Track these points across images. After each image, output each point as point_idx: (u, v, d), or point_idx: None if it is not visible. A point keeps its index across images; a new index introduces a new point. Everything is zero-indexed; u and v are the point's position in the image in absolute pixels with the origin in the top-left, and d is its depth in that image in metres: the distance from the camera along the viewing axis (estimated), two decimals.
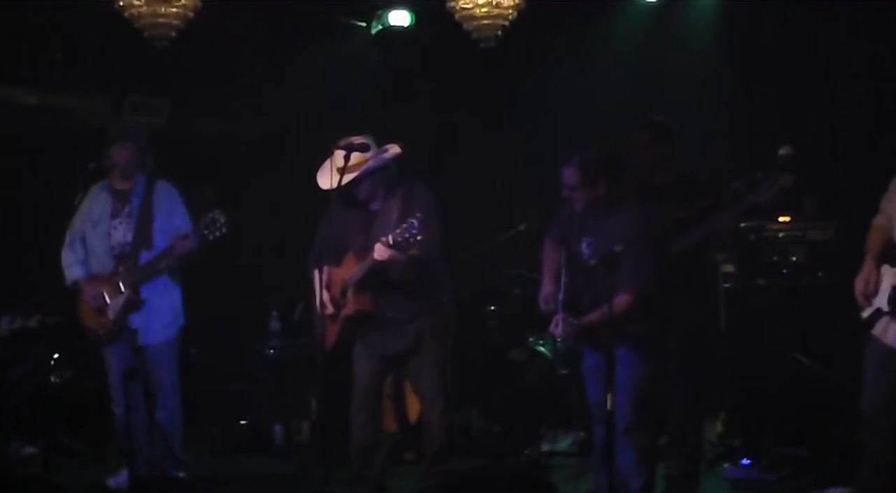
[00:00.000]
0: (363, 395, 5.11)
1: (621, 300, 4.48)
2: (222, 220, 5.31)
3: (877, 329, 4.41)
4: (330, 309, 5.07)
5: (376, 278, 4.92)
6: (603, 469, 4.72)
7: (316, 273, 5.04)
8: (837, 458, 5.44)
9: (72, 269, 5.61)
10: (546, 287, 4.87)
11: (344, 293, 5.04)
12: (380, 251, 4.76)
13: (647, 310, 4.60)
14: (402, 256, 4.76)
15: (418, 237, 4.64)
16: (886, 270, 4.37)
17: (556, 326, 4.68)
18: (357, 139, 4.96)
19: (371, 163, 4.97)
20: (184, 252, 5.42)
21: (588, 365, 4.86)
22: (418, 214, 4.67)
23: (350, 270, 5.02)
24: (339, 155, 4.91)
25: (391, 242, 4.70)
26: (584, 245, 4.66)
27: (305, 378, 6.59)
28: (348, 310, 5.01)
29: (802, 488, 5.30)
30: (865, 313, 4.44)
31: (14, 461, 6.10)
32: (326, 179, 4.98)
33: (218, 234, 5.33)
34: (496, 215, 7.21)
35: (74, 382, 6.63)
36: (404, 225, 4.68)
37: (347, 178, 4.90)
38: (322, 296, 5.05)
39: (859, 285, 4.43)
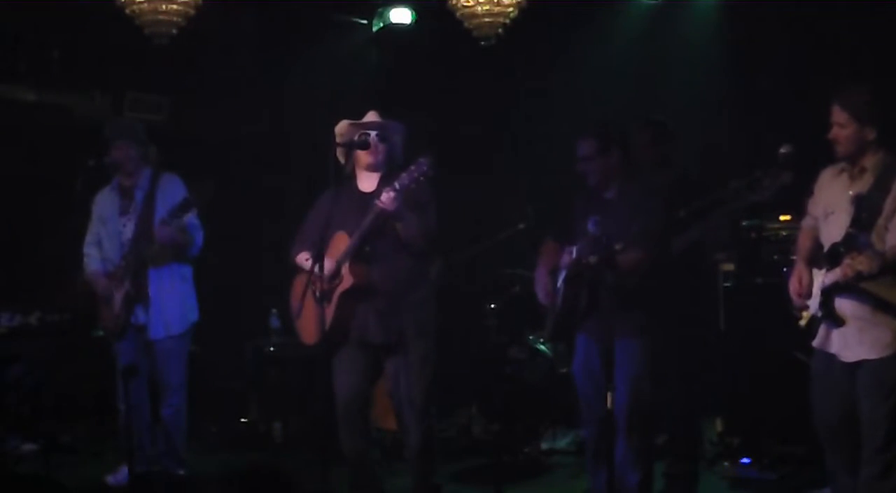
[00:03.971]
0: (343, 408, 4.95)
1: (632, 256, 4.46)
2: (193, 198, 5.28)
3: (818, 341, 4.32)
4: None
5: (375, 239, 4.83)
6: (598, 470, 4.71)
7: (301, 255, 5.01)
8: None
9: (90, 263, 5.68)
10: (541, 277, 4.87)
11: (338, 271, 4.88)
12: (386, 198, 4.69)
13: (648, 298, 4.60)
14: (407, 210, 4.75)
15: (426, 175, 4.65)
16: (816, 273, 4.32)
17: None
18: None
19: (388, 124, 5.04)
20: (163, 238, 5.38)
21: (579, 363, 4.83)
22: (424, 158, 4.68)
23: (341, 248, 4.89)
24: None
25: (398, 186, 4.68)
26: (590, 223, 4.52)
27: (305, 376, 6.58)
28: (345, 285, 4.85)
29: (801, 486, 5.32)
30: (803, 322, 4.37)
31: (14, 458, 6.08)
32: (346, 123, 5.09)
33: (189, 210, 5.29)
34: (496, 215, 7.21)
35: (74, 379, 6.64)
36: (411, 167, 4.70)
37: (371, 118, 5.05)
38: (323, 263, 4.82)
39: (792, 285, 4.37)
